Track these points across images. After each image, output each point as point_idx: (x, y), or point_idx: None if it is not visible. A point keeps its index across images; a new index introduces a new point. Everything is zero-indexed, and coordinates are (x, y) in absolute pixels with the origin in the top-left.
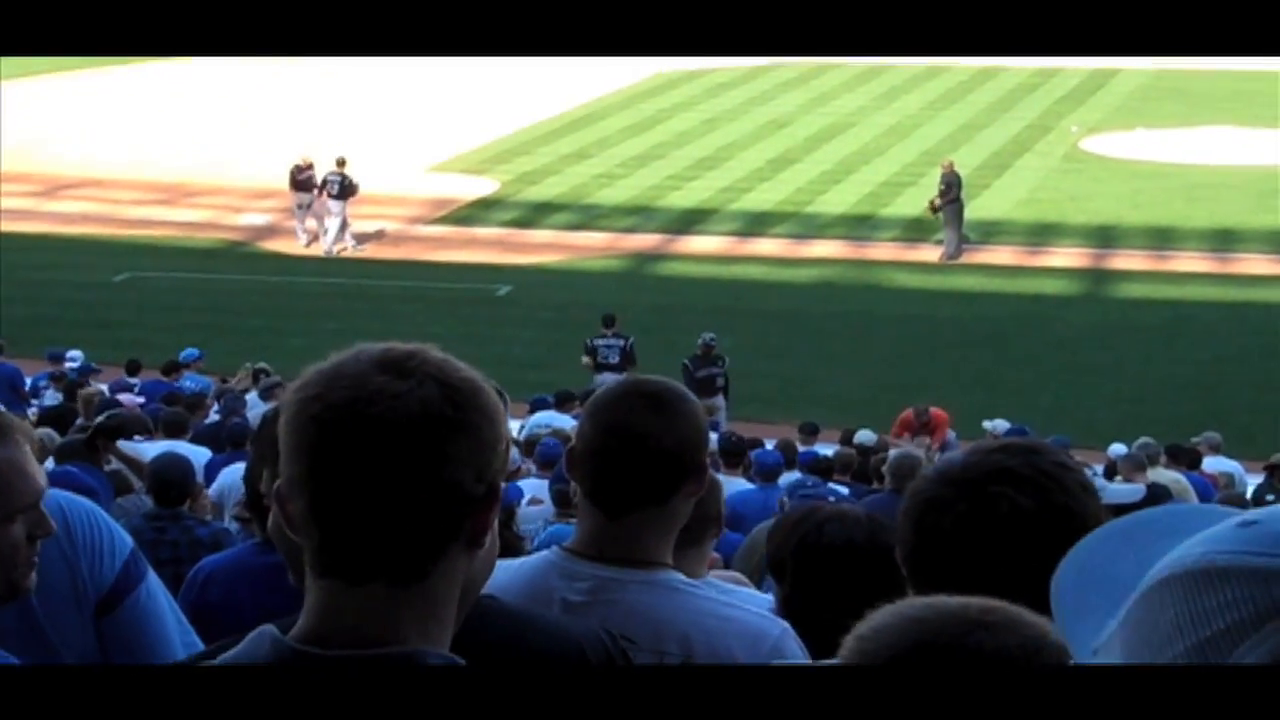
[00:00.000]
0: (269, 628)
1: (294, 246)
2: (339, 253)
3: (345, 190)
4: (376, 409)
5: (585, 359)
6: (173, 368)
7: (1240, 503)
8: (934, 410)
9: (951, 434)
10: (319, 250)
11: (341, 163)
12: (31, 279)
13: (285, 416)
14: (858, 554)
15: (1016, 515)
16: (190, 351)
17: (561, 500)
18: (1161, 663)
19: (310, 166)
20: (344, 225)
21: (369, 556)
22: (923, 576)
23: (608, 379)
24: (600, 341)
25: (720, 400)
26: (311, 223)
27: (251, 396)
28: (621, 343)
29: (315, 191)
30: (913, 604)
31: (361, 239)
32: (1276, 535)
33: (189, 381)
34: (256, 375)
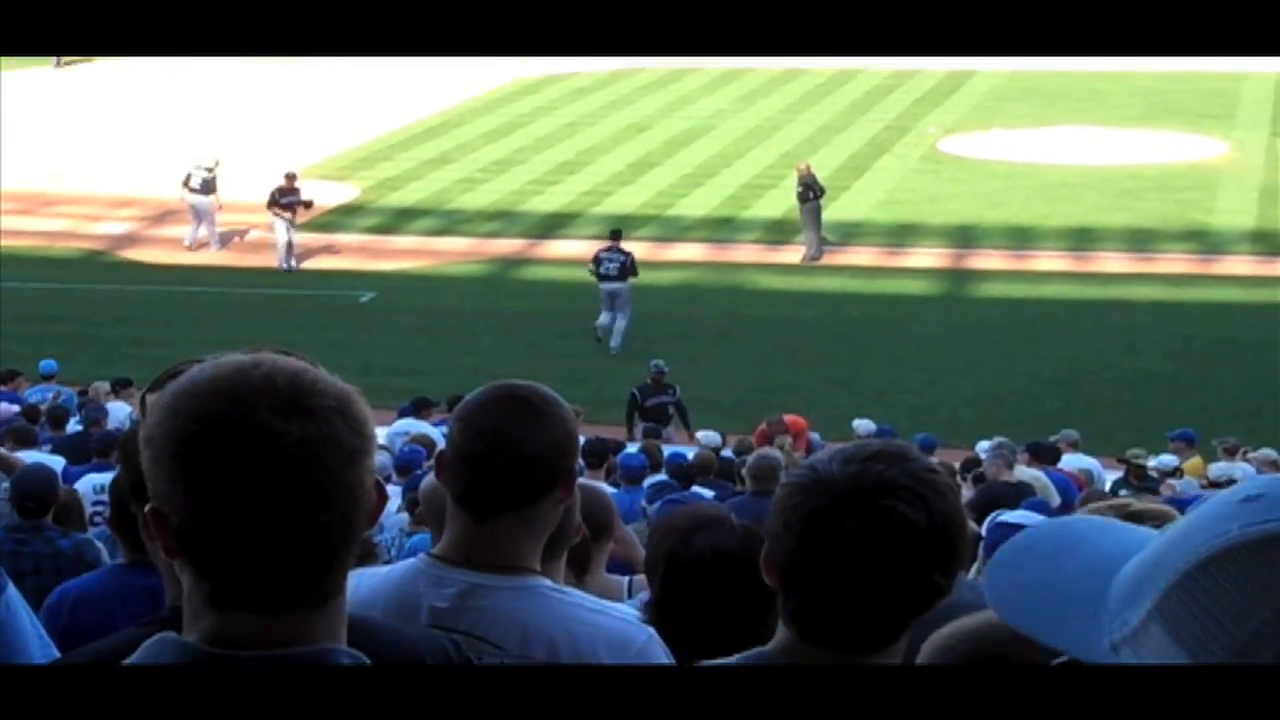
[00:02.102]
0: (170, 634)
1: (155, 254)
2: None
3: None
4: (300, 457)
5: (590, 267)
6: (8, 377)
7: (1102, 498)
8: (787, 418)
9: (815, 436)
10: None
11: (291, 178)
12: None
13: (176, 454)
14: (726, 564)
15: (907, 526)
16: (49, 364)
17: (414, 508)
18: (1241, 635)
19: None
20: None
21: (288, 589)
22: (805, 587)
23: (610, 288)
24: (604, 254)
25: (671, 429)
26: (202, 230)
27: (113, 406)
28: (623, 257)
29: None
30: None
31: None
32: None
33: (51, 393)
34: (115, 386)
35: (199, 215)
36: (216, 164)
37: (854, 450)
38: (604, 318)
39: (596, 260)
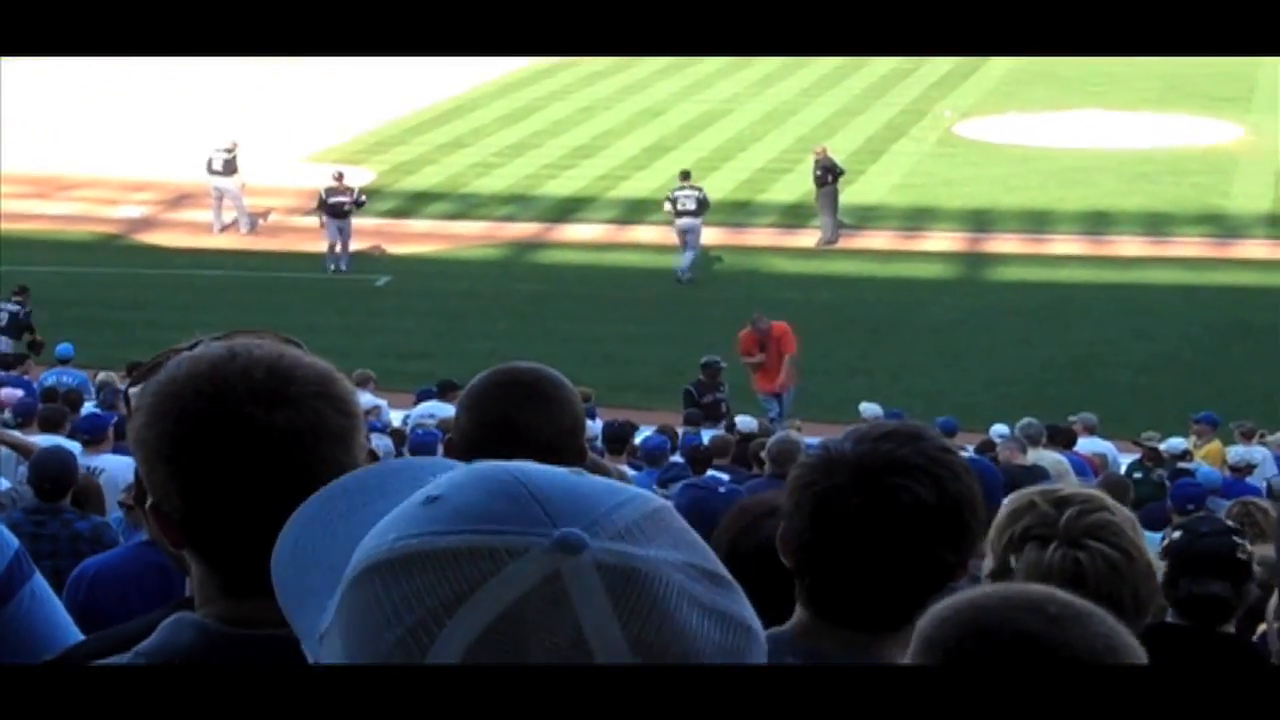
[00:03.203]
0: (187, 614)
1: (171, 238)
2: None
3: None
4: (290, 448)
5: (667, 207)
6: (17, 360)
7: (1119, 485)
8: (774, 324)
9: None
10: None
11: (339, 177)
12: None
13: (167, 456)
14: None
15: (916, 505)
16: (65, 348)
17: None
18: (379, 649)
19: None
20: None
21: None
22: (817, 566)
23: (686, 224)
24: (680, 192)
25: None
26: (229, 214)
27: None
28: (697, 193)
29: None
30: (974, 591)
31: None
32: (458, 511)
33: (67, 376)
34: (130, 369)
35: (223, 198)
36: (235, 145)
37: (867, 430)
38: (683, 258)
39: (672, 200)
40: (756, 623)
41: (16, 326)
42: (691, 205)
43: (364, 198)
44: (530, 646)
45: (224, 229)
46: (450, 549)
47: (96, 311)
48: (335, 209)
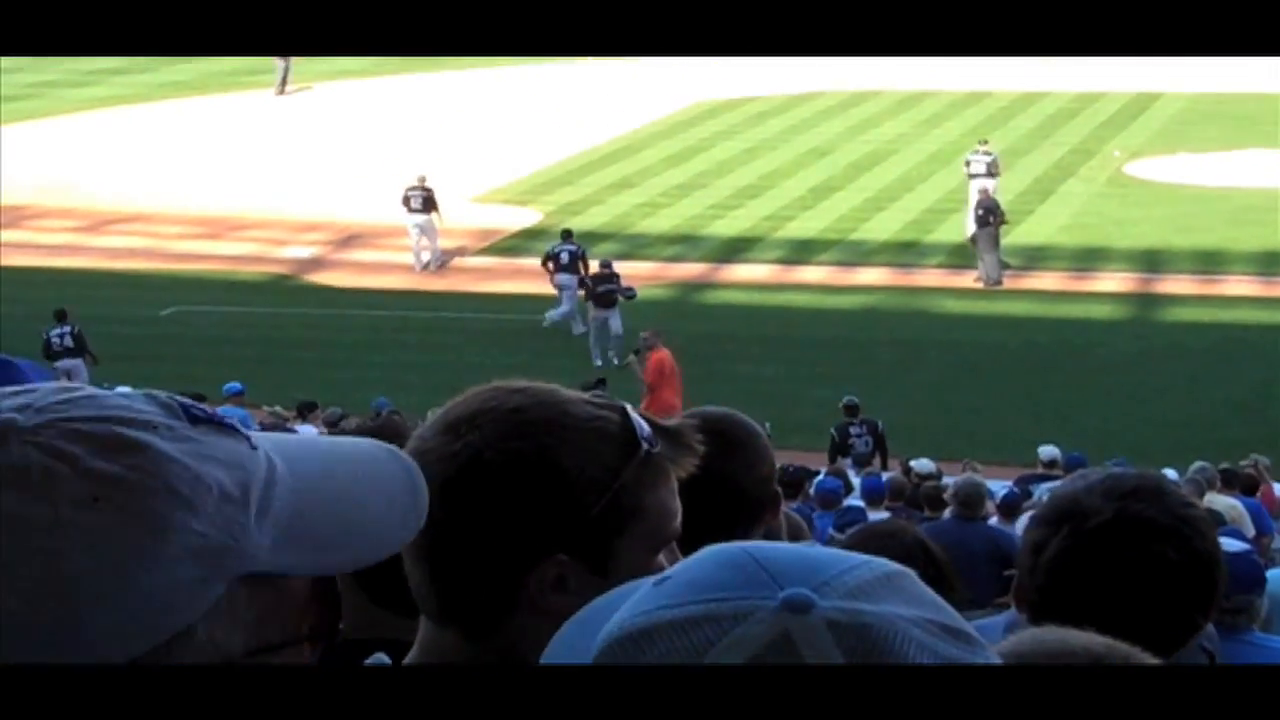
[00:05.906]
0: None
1: (340, 278)
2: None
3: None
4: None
5: (963, 169)
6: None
7: None
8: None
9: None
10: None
11: (605, 265)
12: (78, 314)
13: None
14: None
15: (1170, 569)
16: (233, 385)
17: None
18: None
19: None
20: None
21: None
22: (1056, 618)
23: (979, 184)
24: (973, 155)
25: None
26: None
27: (304, 430)
28: (989, 157)
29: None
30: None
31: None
32: (687, 584)
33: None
34: (301, 410)
35: (423, 234)
36: (423, 179)
37: (1111, 484)
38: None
39: (967, 163)
40: None
41: (574, 263)
42: (981, 169)
43: (634, 290)
44: None
45: (424, 267)
46: (678, 620)
47: (267, 351)
48: (603, 298)
